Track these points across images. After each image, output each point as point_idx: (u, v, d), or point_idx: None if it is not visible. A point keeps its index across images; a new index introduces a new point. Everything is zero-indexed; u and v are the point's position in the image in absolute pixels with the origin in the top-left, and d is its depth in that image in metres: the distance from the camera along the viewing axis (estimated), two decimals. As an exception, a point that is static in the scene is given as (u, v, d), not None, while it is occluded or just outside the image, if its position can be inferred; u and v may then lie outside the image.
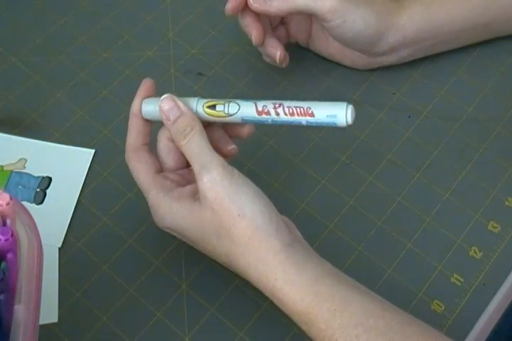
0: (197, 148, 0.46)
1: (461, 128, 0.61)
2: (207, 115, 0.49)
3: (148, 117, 0.50)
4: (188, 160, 0.47)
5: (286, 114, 0.47)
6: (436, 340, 0.44)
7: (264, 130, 0.60)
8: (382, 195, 0.57)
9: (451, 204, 0.57)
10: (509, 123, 0.61)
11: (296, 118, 0.47)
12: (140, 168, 0.49)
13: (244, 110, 0.48)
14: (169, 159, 0.50)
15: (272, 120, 0.48)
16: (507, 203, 0.57)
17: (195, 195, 0.47)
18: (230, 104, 0.48)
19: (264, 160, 0.59)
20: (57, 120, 0.59)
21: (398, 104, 0.62)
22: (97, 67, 0.63)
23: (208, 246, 0.47)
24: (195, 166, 0.46)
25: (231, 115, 0.48)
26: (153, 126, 0.51)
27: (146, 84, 0.51)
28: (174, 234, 0.49)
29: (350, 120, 0.46)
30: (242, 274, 0.47)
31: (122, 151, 0.58)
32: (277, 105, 0.47)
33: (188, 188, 0.48)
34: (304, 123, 0.47)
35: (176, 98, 0.48)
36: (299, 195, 0.57)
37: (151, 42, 0.64)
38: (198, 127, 0.47)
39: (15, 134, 0.58)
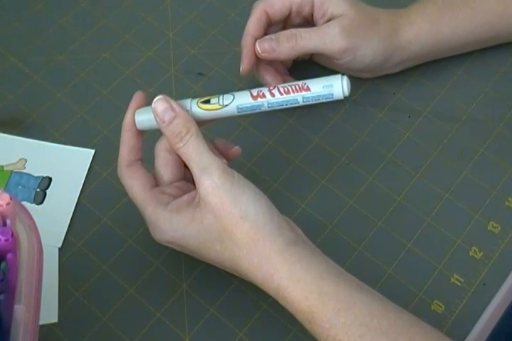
0: (194, 152, 0.46)
1: (461, 128, 0.61)
2: (202, 110, 0.48)
3: (143, 126, 0.49)
4: (186, 163, 0.47)
5: (281, 94, 0.47)
6: None
7: (264, 130, 0.60)
8: (382, 195, 0.57)
9: (451, 204, 0.57)
10: (509, 123, 0.61)
11: (292, 95, 0.46)
12: (135, 184, 0.49)
13: (239, 98, 0.48)
14: (167, 172, 0.50)
15: (268, 103, 0.47)
16: (507, 203, 0.57)
17: (194, 202, 0.47)
18: (225, 95, 0.48)
19: (264, 160, 0.59)
20: (57, 120, 0.59)
21: (398, 104, 0.62)
22: (97, 67, 0.63)
23: (211, 253, 0.47)
24: (195, 170, 0.46)
25: (226, 105, 0.47)
26: (147, 138, 0.51)
27: (137, 97, 0.50)
28: (175, 247, 0.49)
29: (346, 90, 0.46)
30: (246, 277, 0.47)
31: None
32: (272, 88, 0.47)
33: (186, 197, 0.48)
34: (300, 100, 0.46)
35: (169, 99, 0.47)
36: (299, 195, 0.57)
37: (151, 42, 0.64)
38: (194, 129, 0.47)
39: (15, 134, 0.58)
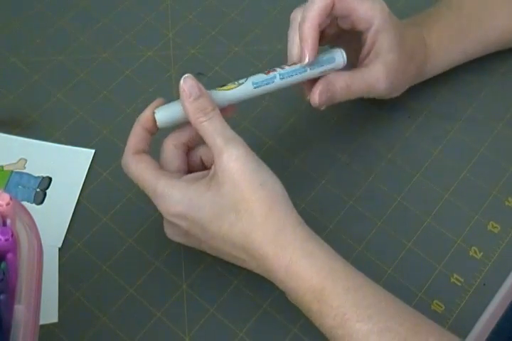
0: (219, 125, 0.47)
1: (461, 128, 0.61)
2: (220, 92, 0.50)
3: (163, 119, 0.49)
4: (209, 136, 0.47)
5: (290, 66, 0.52)
6: (443, 334, 0.45)
7: (264, 130, 0.60)
8: (382, 195, 0.57)
9: (451, 204, 0.57)
10: (509, 123, 0.61)
11: (299, 64, 0.52)
12: (144, 166, 0.49)
13: (254, 76, 0.51)
14: (173, 166, 0.50)
15: (280, 74, 0.51)
16: (507, 203, 0.57)
17: (209, 174, 0.47)
18: (240, 80, 0.51)
19: (264, 160, 0.58)
20: (57, 120, 0.59)
21: (398, 104, 0.62)
22: (97, 67, 0.63)
23: (224, 225, 0.46)
24: (219, 140, 0.46)
25: (241, 83, 0.50)
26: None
27: (158, 100, 0.51)
28: (184, 223, 0.48)
29: (346, 56, 0.53)
30: (257, 251, 0.46)
31: (122, 151, 0.58)
32: (282, 66, 0.52)
33: (199, 173, 0.49)
34: (307, 68, 0.52)
35: (196, 80, 0.48)
36: (299, 195, 0.57)
37: (151, 42, 0.64)
38: (217, 109, 0.48)
39: (15, 134, 0.58)
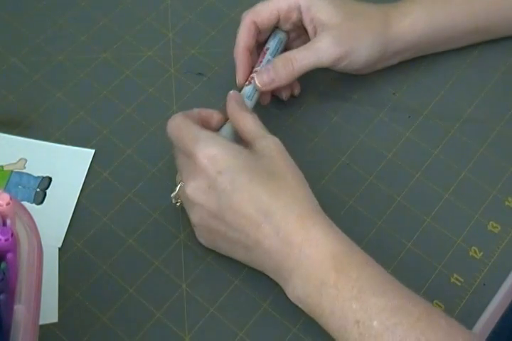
0: (260, 122, 0.51)
1: (461, 128, 0.61)
2: None
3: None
4: (250, 126, 0.51)
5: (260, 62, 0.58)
6: (453, 320, 0.45)
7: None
8: (382, 195, 0.57)
9: (451, 204, 0.57)
10: (509, 123, 0.61)
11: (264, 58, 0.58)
12: (189, 120, 0.50)
13: (243, 92, 0.56)
14: None
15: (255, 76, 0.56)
16: (507, 203, 0.57)
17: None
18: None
19: (264, 160, 0.59)
20: (57, 120, 0.59)
21: (398, 104, 0.62)
22: (97, 67, 0.63)
23: (254, 180, 0.47)
24: (262, 131, 0.51)
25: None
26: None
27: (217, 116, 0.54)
28: (214, 167, 0.47)
29: (285, 34, 0.60)
30: (281, 209, 0.47)
31: (122, 151, 0.58)
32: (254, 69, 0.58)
33: None
34: (269, 57, 0.58)
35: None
36: (299, 195, 0.57)
37: (151, 42, 0.64)
38: None
39: (15, 134, 0.58)
